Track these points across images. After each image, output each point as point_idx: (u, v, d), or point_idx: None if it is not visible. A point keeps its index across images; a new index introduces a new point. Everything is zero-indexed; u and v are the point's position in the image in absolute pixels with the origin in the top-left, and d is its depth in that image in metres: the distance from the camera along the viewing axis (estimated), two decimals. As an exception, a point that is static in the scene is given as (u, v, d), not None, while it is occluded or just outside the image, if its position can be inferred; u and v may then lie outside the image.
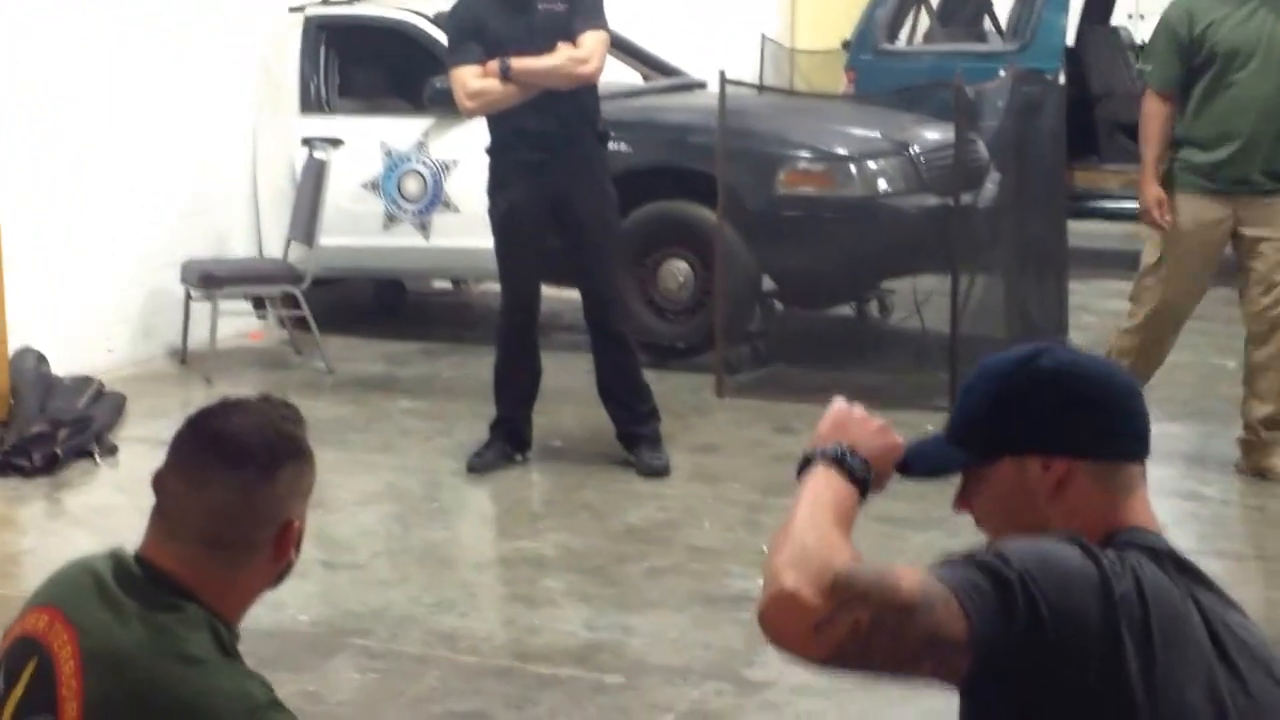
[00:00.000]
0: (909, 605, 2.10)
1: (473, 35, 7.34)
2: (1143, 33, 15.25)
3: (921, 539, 6.49)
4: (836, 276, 9.61)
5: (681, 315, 9.59)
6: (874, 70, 13.41)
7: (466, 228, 9.30)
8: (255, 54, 10.49)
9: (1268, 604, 5.81)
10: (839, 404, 2.51)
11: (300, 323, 9.79)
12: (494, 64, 7.24)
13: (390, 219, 10.06)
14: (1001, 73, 10.01)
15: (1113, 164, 13.15)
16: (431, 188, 9.96)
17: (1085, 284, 11.52)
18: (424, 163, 9.97)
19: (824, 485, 2.34)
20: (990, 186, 9.39)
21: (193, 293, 9.61)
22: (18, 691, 2.57)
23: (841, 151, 9.47)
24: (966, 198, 8.98)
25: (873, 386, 8.79)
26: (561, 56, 7.24)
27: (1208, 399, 8.84)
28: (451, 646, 5.68)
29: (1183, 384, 9.04)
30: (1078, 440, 2.36)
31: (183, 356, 9.73)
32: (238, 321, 10.20)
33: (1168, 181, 7.37)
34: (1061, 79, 10.44)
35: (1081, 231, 12.18)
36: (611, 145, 7.85)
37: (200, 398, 2.75)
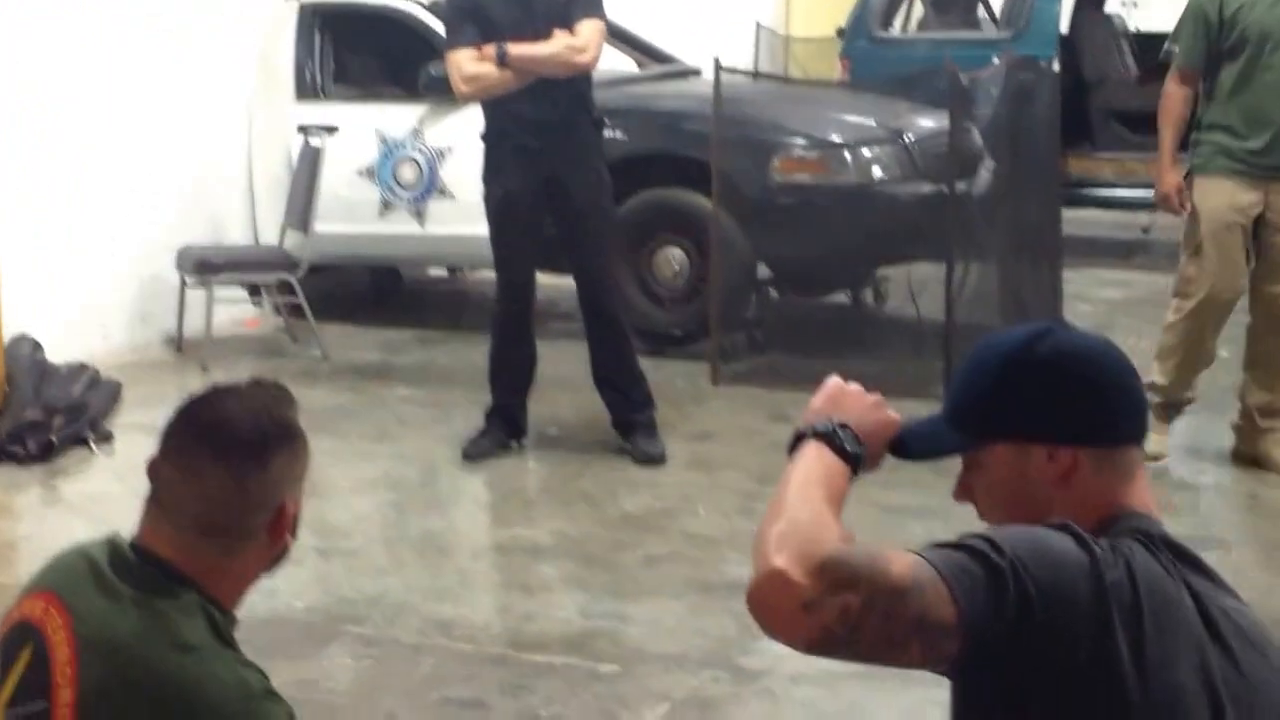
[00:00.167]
0: (899, 589, 2.09)
1: (471, 19, 7.34)
2: (1136, 20, 15.31)
3: (920, 527, 6.49)
4: (831, 264, 9.63)
5: (677, 302, 9.60)
6: (868, 58, 13.43)
7: (462, 215, 9.31)
8: (251, 42, 10.49)
9: (1262, 590, 5.82)
10: (833, 379, 2.50)
11: (296, 310, 9.80)
12: (491, 49, 7.24)
13: (386, 206, 10.07)
14: (995, 60, 10.01)
15: (1107, 151, 13.16)
16: (427, 175, 9.97)
17: (1079, 272, 11.55)
18: (419, 150, 9.98)
19: (815, 461, 2.33)
20: (985, 174, 9.40)
21: (188, 280, 9.61)
22: (13, 677, 2.58)
23: (836, 139, 9.48)
24: (961, 185, 8.98)
25: (868, 374, 8.69)
26: (558, 44, 7.25)
27: (1201, 387, 8.83)
28: (447, 634, 5.68)
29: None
30: (1081, 427, 2.34)
31: (178, 344, 9.73)
32: (233, 309, 10.21)
33: (1196, 165, 7.28)
34: (1055, 66, 10.43)
35: (1075, 219, 12.19)
36: (607, 132, 7.85)
37: (196, 385, 2.74)
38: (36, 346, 8.39)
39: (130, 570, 2.61)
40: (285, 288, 9.77)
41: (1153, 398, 7.26)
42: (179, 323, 9.72)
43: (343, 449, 7.80)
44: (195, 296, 9.57)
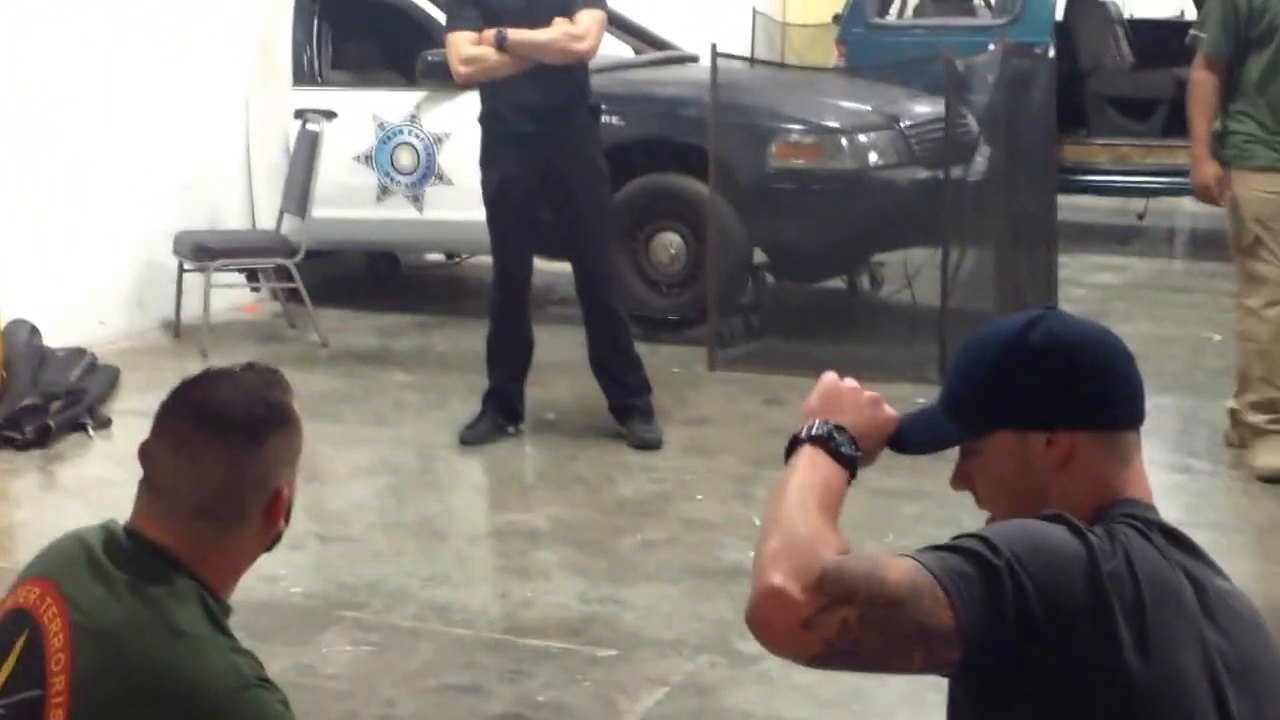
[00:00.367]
0: (897, 599, 2.08)
1: (471, 2, 7.35)
2: (1130, 6, 15.31)
3: (913, 510, 6.53)
4: (828, 249, 9.63)
5: (674, 288, 9.61)
6: (865, 44, 13.43)
7: (459, 201, 9.31)
8: (249, 34, 10.49)
9: (1255, 575, 5.84)
10: (829, 377, 2.49)
11: (293, 295, 9.81)
12: (490, 33, 7.26)
13: (383, 191, 10.08)
14: (991, 46, 10.02)
15: (1101, 138, 13.16)
16: (424, 160, 9.97)
17: (1074, 258, 11.56)
18: (417, 135, 9.99)
19: (810, 469, 2.32)
20: (980, 160, 9.41)
21: (186, 265, 9.62)
22: (8, 665, 2.57)
23: (832, 125, 9.49)
24: (957, 171, 9.00)
25: (864, 359, 8.82)
26: (558, 31, 7.26)
27: (1194, 372, 8.87)
28: (445, 619, 5.70)
29: (1171, 357, 9.08)
30: (1079, 412, 2.35)
31: (176, 329, 9.74)
32: (231, 294, 10.21)
33: (1231, 156, 7.16)
34: (1051, 52, 10.44)
35: (1070, 205, 12.21)
36: (604, 118, 7.87)
37: (194, 370, 2.73)
38: (34, 331, 8.38)
39: (125, 556, 2.60)
40: (283, 273, 9.78)
41: (1256, 417, 7.25)
42: (177, 308, 9.73)
43: (340, 434, 7.82)
44: (193, 282, 9.58)
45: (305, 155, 9.78)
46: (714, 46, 9.05)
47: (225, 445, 2.62)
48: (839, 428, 2.38)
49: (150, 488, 2.66)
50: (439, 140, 9.91)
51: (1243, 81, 7.17)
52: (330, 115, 9.94)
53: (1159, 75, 13.26)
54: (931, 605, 2.09)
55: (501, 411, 7.70)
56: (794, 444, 2.38)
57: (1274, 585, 5.83)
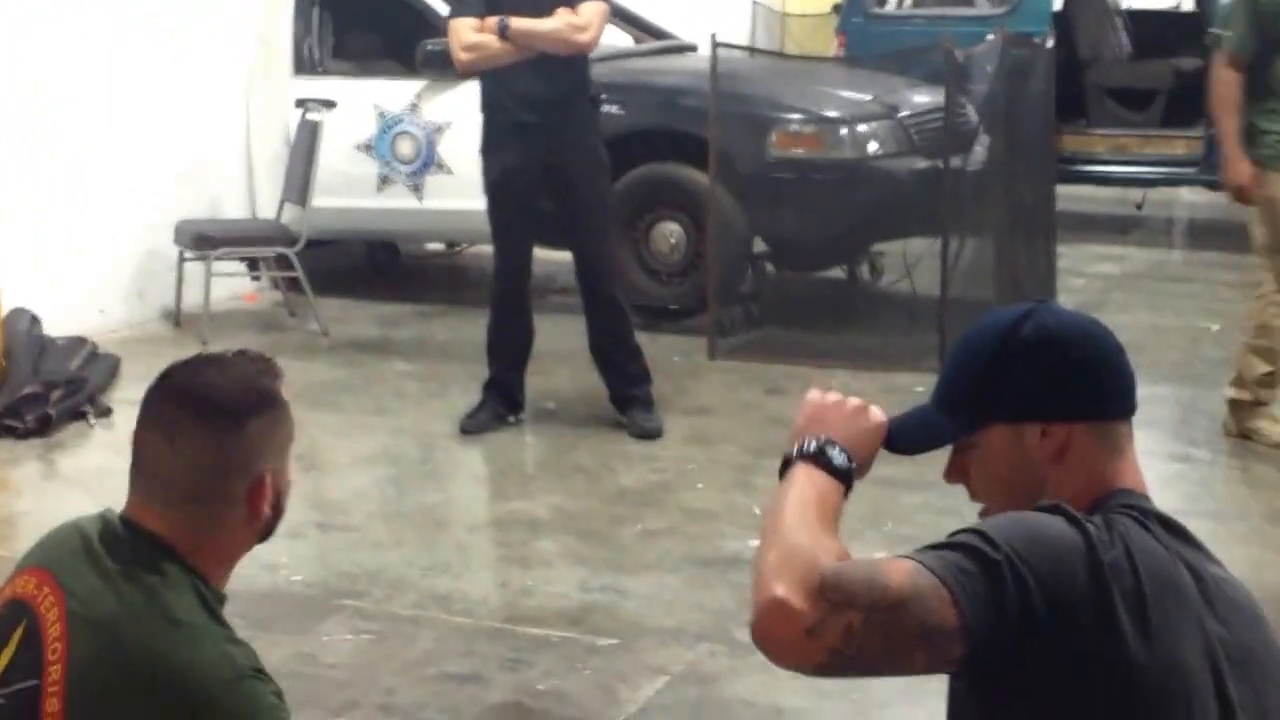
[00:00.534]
0: (899, 600, 2.08)
1: None
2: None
3: (913, 500, 6.53)
4: (827, 239, 9.64)
5: (674, 277, 9.62)
6: (864, 34, 13.43)
7: (459, 190, 9.31)
8: (251, 13, 10.49)
9: (1254, 564, 5.85)
10: (812, 394, 2.48)
11: (294, 284, 9.81)
12: (493, 21, 7.26)
13: (384, 180, 10.08)
14: (990, 36, 10.02)
15: (1101, 128, 13.17)
16: (425, 149, 9.98)
17: (1072, 248, 11.57)
18: (417, 124, 9.99)
19: (806, 483, 2.30)
20: (979, 150, 9.41)
21: (187, 254, 9.62)
22: (6, 655, 2.57)
23: (832, 114, 9.50)
24: (956, 161, 9.01)
25: (864, 348, 8.86)
26: (560, 22, 7.26)
27: (1193, 361, 8.88)
28: (445, 608, 5.71)
29: (1169, 346, 9.10)
30: (1073, 404, 2.36)
31: (176, 318, 9.75)
32: (232, 283, 10.22)
33: (1267, 157, 7.11)
34: (1050, 43, 10.44)
35: (1069, 195, 12.21)
36: (604, 108, 7.87)
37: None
38: (35, 321, 8.39)
39: (120, 545, 2.60)
40: (283, 262, 9.78)
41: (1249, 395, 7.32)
42: (177, 297, 9.73)
43: (341, 423, 7.84)
44: (194, 271, 9.59)
45: (306, 144, 9.79)
46: (714, 36, 9.06)
47: (208, 428, 2.61)
48: (830, 442, 2.36)
49: (140, 474, 2.65)
50: (439, 129, 9.91)
51: (1272, 80, 7.13)
52: (331, 104, 9.93)
53: (1158, 65, 13.28)
54: (934, 604, 2.09)
55: (502, 401, 7.71)
56: (786, 464, 2.36)
57: (1273, 574, 5.84)
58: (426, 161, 9.98)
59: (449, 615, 5.65)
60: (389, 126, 10.04)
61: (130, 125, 9.66)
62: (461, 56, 7.42)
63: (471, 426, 7.63)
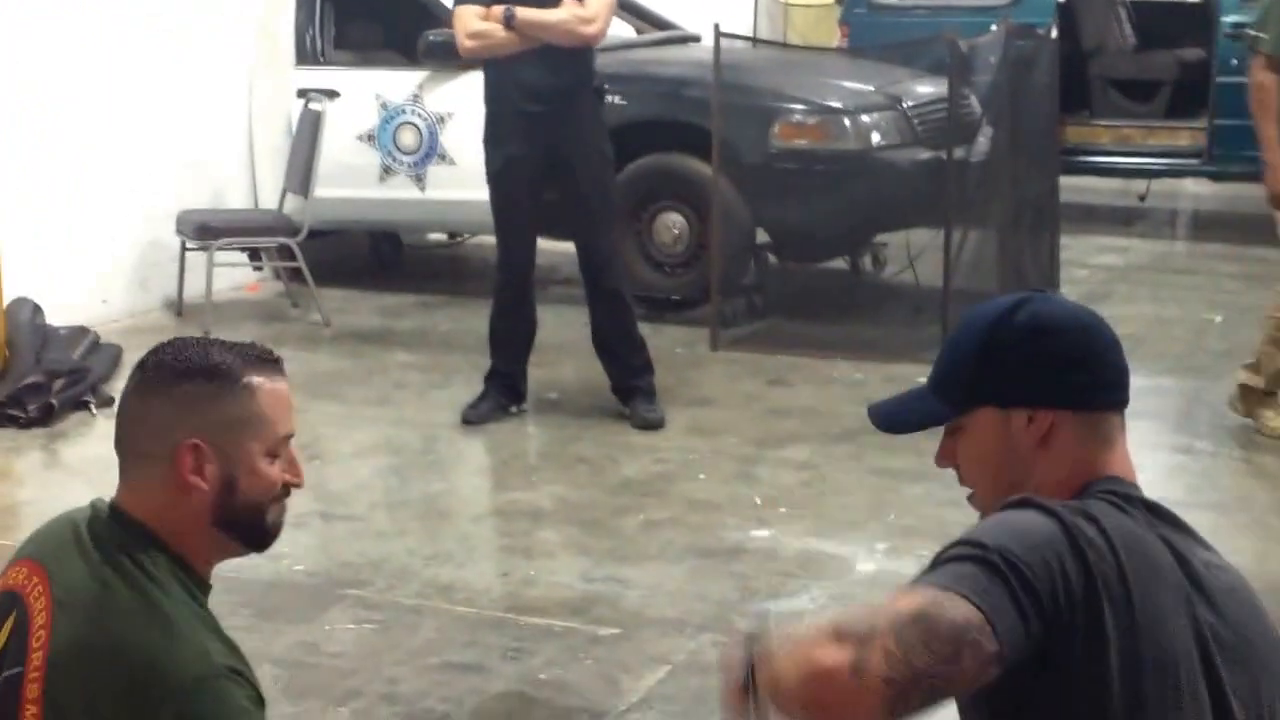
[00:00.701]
0: (917, 611, 2.08)
1: None
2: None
3: (916, 490, 6.54)
4: (830, 230, 9.63)
5: (677, 268, 9.62)
6: (868, 24, 13.40)
7: (462, 180, 9.31)
8: (252, 6, 10.49)
9: (1257, 555, 5.85)
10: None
11: (296, 275, 9.81)
12: (499, 9, 7.26)
13: (386, 171, 10.08)
14: (994, 27, 10.02)
15: (1104, 119, 13.16)
16: (427, 140, 9.98)
17: (1076, 239, 11.56)
18: (419, 115, 9.99)
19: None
20: (983, 141, 9.42)
21: (189, 244, 9.62)
22: None
23: (835, 105, 9.49)
24: (959, 152, 9.01)
25: (866, 340, 8.86)
26: (566, 13, 7.26)
27: (1196, 353, 8.87)
28: (448, 598, 5.71)
29: (1173, 338, 9.09)
30: (1061, 392, 2.37)
31: (179, 308, 9.75)
32: (234, 274, 10.21)
33: None
34: (1054, 33, 10.43)
35: (1073, 186, 12.20)
36: (607, 98, 7.87)
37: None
38: (37, 310, 8.39)
39: (106, 533, 2.61)
40: (286, 252, 9.78)
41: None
42: (179, 287, 9.74)
43: (343, 414, 7.84)
44: (196, 261, 9.58)
45: (308, 135, 9.78)
46: (717, 26, 9.05)
47: (143, 382, 2.64)
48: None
49: (116, 451, 2.68)
50: (441, 120, 9.91)
51: None
52: (333, 95, 9.93)
53: (1162, 57, 13.27)
54: (951, 604, 2.09)
55: (504, 391, 7.71)
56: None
57: (1276, 564, 5.84)
58: (429, 152, 9.97)
59: (451, 605, 5.65)
60: (391, 117, 10.04)
61: (133, 116, 9.66)
62: (466, 43, 7.42)
63: (474, 417, 7.63)
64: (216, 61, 10.30)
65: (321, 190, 9.66)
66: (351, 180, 9.99)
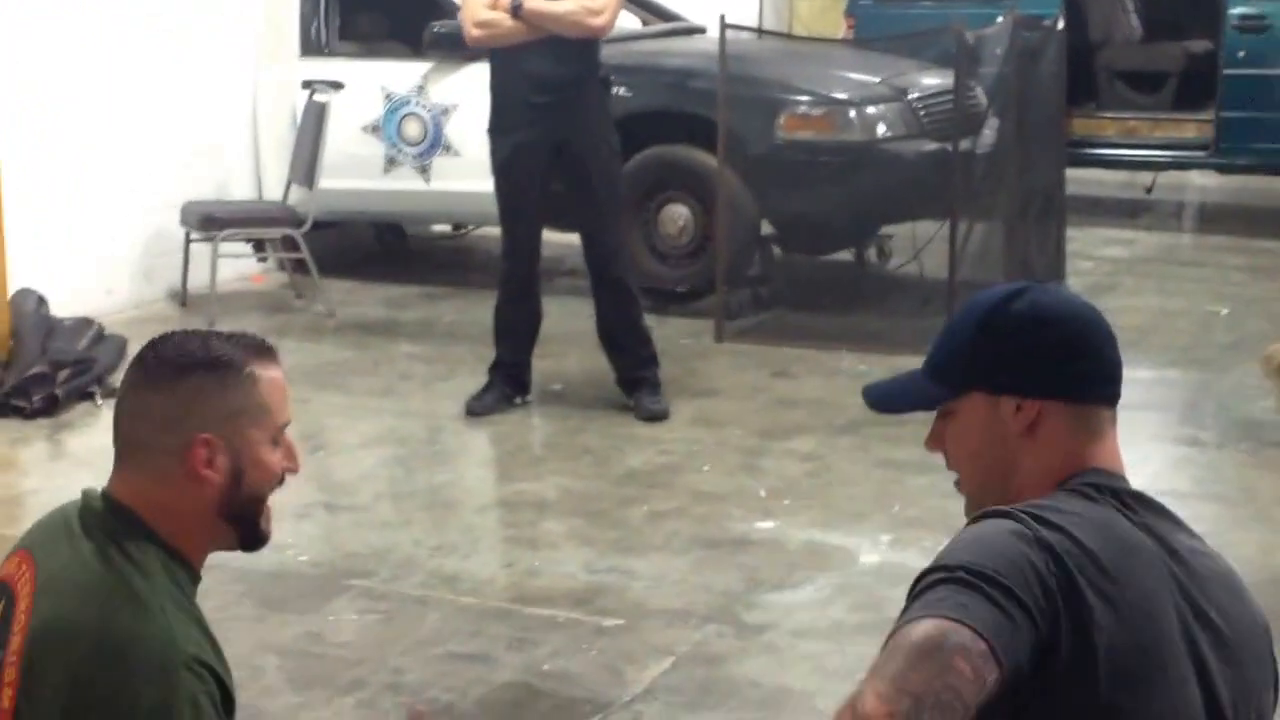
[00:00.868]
0: (891, 647, 2.08)
1: None
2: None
3: (920, 482, 6.53)
4: (836, 221, 9.63)
5: (682, 260, 9.61)
6: (874, 16, 13.39)
7: (467, 171, 9.32)
8: (253, 5, 10.49)
9: (1261, 547, 5.84)
10: None
11: (301, 266, 9.81)
12: (507, 0, 7.26)
13: (391, 162, 10.08)
14: (1000, 19, 10.01)
15: (1111, 111, 13.15)
16: (432, 131, 9.97)
17: (1082, 231, 11.55)
18: (424, 106, 9.98)
19: None
20: (989, 133, 9.41)
21: (193, 235, 9.62)
22: None
23: (841, 96, 9.48)
24: (965, 144, 9.00)
25: (872, 331, 8.85)
26: (574, 4, 7.25)
27: (1202, 345, 8.86)
28: (453, 588, 5.72)
29: (1179, 330, 9.07)
30: (1052, 382, 2.38)
31: (183, 299, 9.75)
32: (239, 265, 10.22)
33: None
34: (1060, 25, 10.42)
35: (1079, 178, 12.19)
36: (613, 90, 7.86)
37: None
38: (42, 301, 8.39)
39: (95, 520, 2.62)
40: (290, 243, 9.78)
41: None
42: (184, 278, 9.74)
43: (348, 405, 7.84)
44: (200, 252, 9.58)
45: (313, 126, 9.78)
46: (722, 18, 9.05)
47: (144, 376, 2.65)
48: None
49: (115, 442, 2.69)
50: (446, 111, 9.90)
51: None
52: (338, 86, 9.92)
53: (1169, 48, 13.25)
54: (925, 625, 2.08)
55: (509, 382, 7.71)
56: None
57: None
58: (433, 143, 9.97)
59: (456, 595, 5.66)
60: (396, 108, 10.03)
61: (137, 106, 9.66)
62: (473, 32, 7.42)
63: (478, 408, 7.63)
64: (220, 54, 10.30)
65: (326, 181, 9.65)
66: (356, 171, 9.99)
